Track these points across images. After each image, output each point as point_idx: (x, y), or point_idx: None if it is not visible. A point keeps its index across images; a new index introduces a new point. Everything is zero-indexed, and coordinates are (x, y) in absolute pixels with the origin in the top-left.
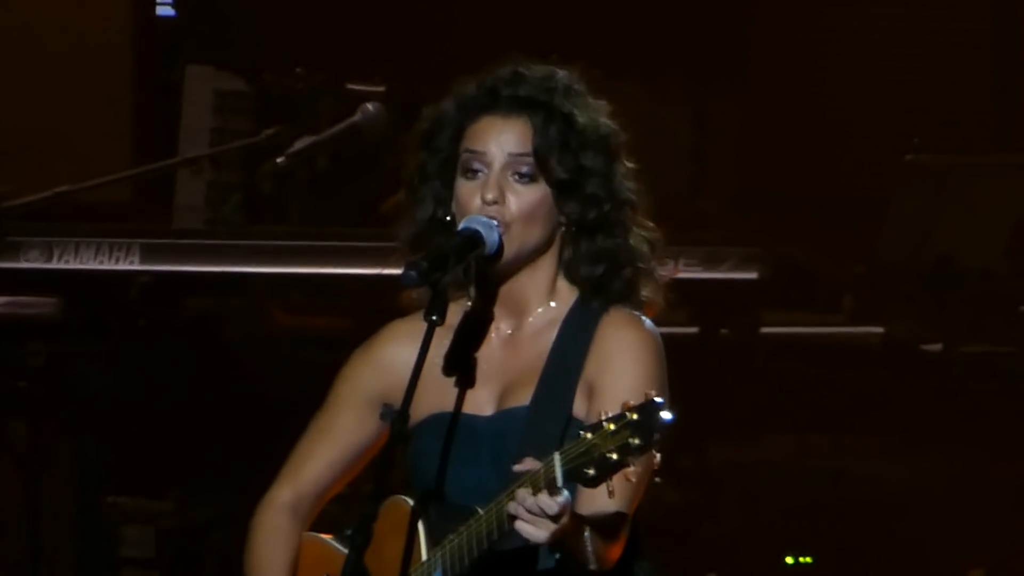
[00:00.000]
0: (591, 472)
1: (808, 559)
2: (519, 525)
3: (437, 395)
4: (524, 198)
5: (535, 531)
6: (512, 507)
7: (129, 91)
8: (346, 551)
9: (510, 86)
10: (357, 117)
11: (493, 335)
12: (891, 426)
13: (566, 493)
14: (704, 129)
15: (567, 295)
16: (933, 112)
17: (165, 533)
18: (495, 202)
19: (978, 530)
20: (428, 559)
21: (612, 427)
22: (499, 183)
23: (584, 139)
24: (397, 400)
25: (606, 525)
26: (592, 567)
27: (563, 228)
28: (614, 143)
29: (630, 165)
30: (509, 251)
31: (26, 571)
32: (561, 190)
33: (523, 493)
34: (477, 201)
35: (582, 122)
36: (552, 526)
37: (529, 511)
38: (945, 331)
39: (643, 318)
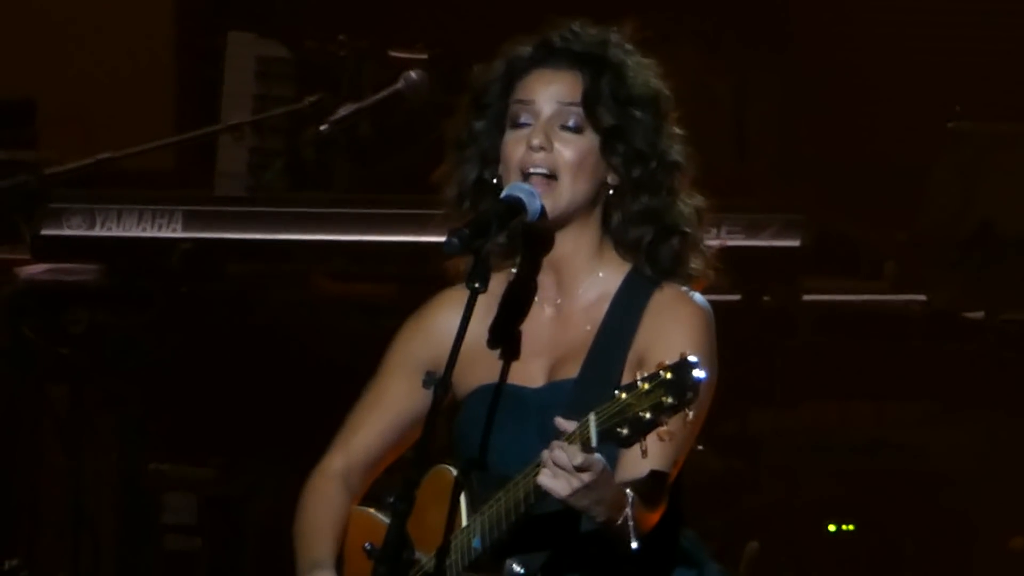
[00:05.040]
0: (624, 432)
1: (850, 527)
2: (542, 479)
3: (488, 368)
4: (572, 146)
5: (555, 483)
6: (544, 455)
7: (172, 57)
8: (388, 520)
9: (564, 41)
10: (400, 84)
11: (542, 307)
12: (933, 394)
13: (597, 455)
14: (747, 96)
15: (616, 265)
16: (975, 79)
17: (207, 500)
18: (541, 148)
19: (1020, 498)
20: (467, 525)
21: (647, 387)
22: (546, 131)
23: (633, 94)
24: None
25: (647, 489)
26: (632, 541)
27: (609, 190)
28: (663, 103)
29: (678, 131)
30: (558, 206)
31: (69, 537)
32: (608, 138)
33: (554, 444)
34: (522, 149)
35: (632, 77)
36: (574, 482)
37: (555, 462)
38: (987, 299)
39: (694, 294)
